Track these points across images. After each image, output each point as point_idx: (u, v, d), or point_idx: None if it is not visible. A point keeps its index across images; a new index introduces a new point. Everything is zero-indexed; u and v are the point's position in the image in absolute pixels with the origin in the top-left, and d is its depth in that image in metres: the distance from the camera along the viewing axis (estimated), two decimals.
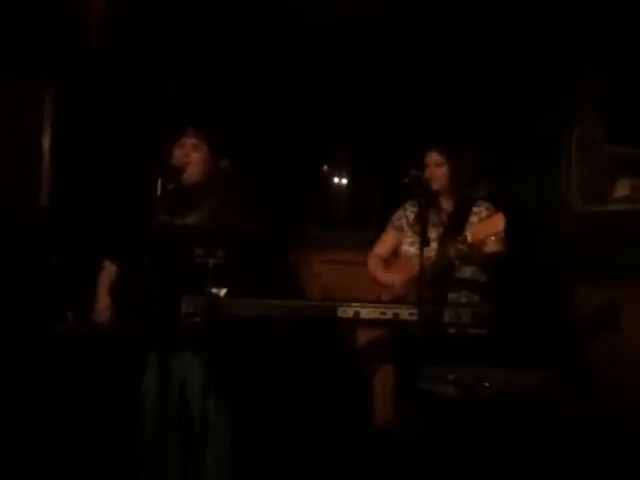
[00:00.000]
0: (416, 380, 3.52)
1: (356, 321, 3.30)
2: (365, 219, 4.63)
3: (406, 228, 4.23)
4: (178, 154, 3.83)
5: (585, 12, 4.53)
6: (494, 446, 3.51)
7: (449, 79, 5.09)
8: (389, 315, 3.26)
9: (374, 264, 4.30)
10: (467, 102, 4.99)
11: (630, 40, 4.33)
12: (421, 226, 3.76)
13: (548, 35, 4.74)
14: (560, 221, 4.63)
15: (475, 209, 4.11)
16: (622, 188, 4.44)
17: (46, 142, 4.86)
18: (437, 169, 4.09)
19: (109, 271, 4.00)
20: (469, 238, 3.77)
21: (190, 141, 3.84)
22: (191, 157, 3.81)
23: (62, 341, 4.30)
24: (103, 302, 3.96)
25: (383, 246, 4.33)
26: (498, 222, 3.70)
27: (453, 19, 5.06)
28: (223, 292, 3.41)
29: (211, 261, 3.40)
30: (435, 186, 4.08)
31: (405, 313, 3.24)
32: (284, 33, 5.37)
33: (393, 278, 4.10)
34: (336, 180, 5.80)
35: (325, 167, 5.82)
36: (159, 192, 3.56)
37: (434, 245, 3.97)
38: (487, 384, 3.44)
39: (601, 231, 4.47)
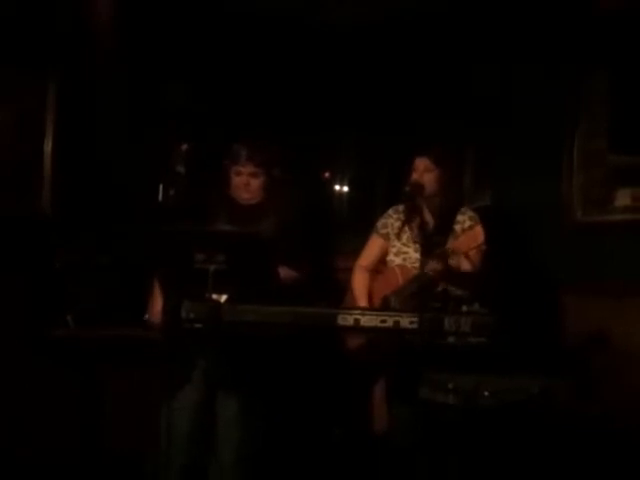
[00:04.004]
0: (416, 388, 3.53)
1: (356, 329, 3.31)
2: (368, 227, 4.62)
3: (392, 237, 4.23)
4: (237, 181, 3.90)
5: (588, 22, 4.54)
6: (494, 454, 3.51)
7: (451, 89, 5.11)
8: (389, 323, 3.25)
9: (358, 280, 4.28)
10: (470, 111, 5.00)
11: (634, 50, 4.34)
12: (422, 234, 3.80)
13: (549, 44, 4.75)
14: (561, 230, 4.63)
15: (459, 217, 4.13)
16: (623, 197, 4.44)
17: (48, 145, 4.85)
18: (426, 175, 4.09)
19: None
20: (449, 252, 3.79)
21: (246, 169, 3.89)
22: (251, 185, 3.90)
23: (62, 346, 4.31)
24: (158, 304, 3.87)
25: (369, 256, 4.31)
26: (478, 235, 3.74)
27: (453, 28, 5.08)
28: (223, 298, 3.40)
29: (212, 267, 3.40)
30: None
31: (405, 321, 3.24)
32: (286, 39, 5.40)
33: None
34: (337, 187, 5.81)
35: (326, 174, 5.83)
36: (160, 198, 3.60)
37: (417, 256, 3.98)
38: (487, 392, 3.44)
39: (602, 240, 4.47)
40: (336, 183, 5.82)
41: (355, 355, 4.07)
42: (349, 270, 4.37)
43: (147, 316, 3.99)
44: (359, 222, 5.43)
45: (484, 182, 4.84)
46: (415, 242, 4.10)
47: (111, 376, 4.42)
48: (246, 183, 3.90)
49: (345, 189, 5.82)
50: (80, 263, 4.70)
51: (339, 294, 4.36)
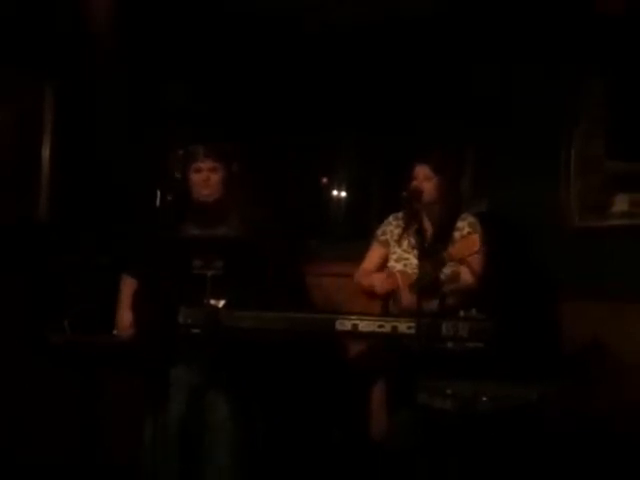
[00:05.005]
0: (414, 393, 3.53)
1: (354, 334, 3.31)
2: (365, 232, 4.63)
3: (392, 244, 4.26)
4: (196, 178, 3.90)
5: (589, 27, 4.52)
6: (492, 460, 3.51)
7: (451, 89, 5.09)
8: (387, 328, 3.28)
9: (360, 275, 4.31)
10: (470, 111, 4.99)
11: (631, 56, 4.34)
12: (419, 240, 3.80)
13: (549, 45, 4.74)
14: (558, 235, 4.61)
15: (459, 224, 4.13)
16: (620, 203, 4.43)
17: (46, 146, 4.85)
18: (426, 183, 4.09)
19: (129, 285, 4.01)
20: (446, 259, 3.80)
21: (206, 165, 3.90)
22: (211, 180, 3.90)
23: (60, 351, 4.31)
24: (126, 318, 3.96)
25: (370, 262, 4.34)
26: (472, 244, 3.75)
27: (453, 28, 5.07)
28: (222, 303, 3.41)
29: (209, 272, 3.41)
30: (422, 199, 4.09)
31: (403, 326, 3.26)
32: (286, 39, 5.39)
33: (380, 277, 4.13)
34: (335, 192, 5.81)
35: (324, 179, 5.83)
36: (158, 203, 3.61)
37: (415, 261, 4.00)
38: (485, 398, 3.44)
39: (599, 246, 4.46)
40: (334, 187, 5.82)
41: (353, 360, 4.07)
42: (345, 275, 4.39)
43: (115, 331, 4.00)
44: (356, 228, 5.45)
45: (482, 186, 4.83)
46: (414, 248, 4.10)
47: (110, 379, 4.43)
48: (206, 179, 3.89)
49: (343, 194, 5.81)
50: (79, 264, 4.70)
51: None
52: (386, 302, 4.08)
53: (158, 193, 3.65)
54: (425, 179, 4.09)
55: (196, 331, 3.35)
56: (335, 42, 5.35)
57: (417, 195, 4.01)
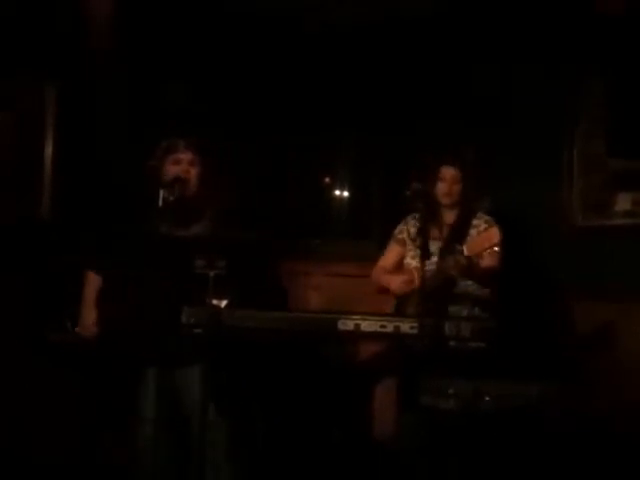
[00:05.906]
0: (417, 393, 3.53)
1: (356, 334, 3.30)
2: (365, 231, 4.63)
3: (408, 242, 4.29)
4: (177, 170, 3.79)
5: (589, 27, 4.53)
6: (494, 459, 3.52)
7: (451, 89, 5.09)
8: (390, 328, 3.25)
9: (377, 273, 4.35)
10: (470, 111, 4.99)
11: (631, 56, 4.35)
12: (422, 239, 3.79)
13: (549, 45, 4.75)
14: (561, 235, 4.64)
15: (475, 222, 4.16)
16: (623, 202, 4.46)
17: (48, 146, 4.85)
18: (454, 185, 4.12)
19: (94, 284, 3.92)
20: (465, 252, 3.80)
21: (186, 156, 3.82)
22: (191, 173, 3.80)
23: (62, 350, 4.30)
24: (90, 316, 3.87)
25: (387, 259, 4.39)
26: (493, 236, 3.74)
27: (453, 28, 5.07)
28: (224, 303, 3.40)
29: (212, 272, 3.40)
30: (447, 201, 4.15)
31: (406, 326, 3.24)
32: (286, 39, 5.39)
33: (397, 279, 4.15)
34: (337, 192, 5.81)
35: (326, 179, 5.84)
36: (160, 203, 3.59)
37: (435, 259, 3.99)
38: (487, 397, 3.44)
39: (602, 245, 4.48)
40: (334, 186, 5.82)
41: (356, 360, 4.08)
42: (348, 275, 4.39)
43: (77, 328, 3.91)
44: (356, 228, 5.46)
45: (483, 185, 4.84)
46: (438, 244, 4.11)
47: (110, 378, 4.43)
48: (186, 171, 3.79)
49: (343, 194, 5.81)
50: (79, 264, 4.69)
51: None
52: (401, 303, 4.10)
53: (161, 193, 3.61)
54: (453, 181, 4.12)
55: (198, 331, 3.34)
56: (335, 42, 5.36)
57: (419, 194, 4.01)
